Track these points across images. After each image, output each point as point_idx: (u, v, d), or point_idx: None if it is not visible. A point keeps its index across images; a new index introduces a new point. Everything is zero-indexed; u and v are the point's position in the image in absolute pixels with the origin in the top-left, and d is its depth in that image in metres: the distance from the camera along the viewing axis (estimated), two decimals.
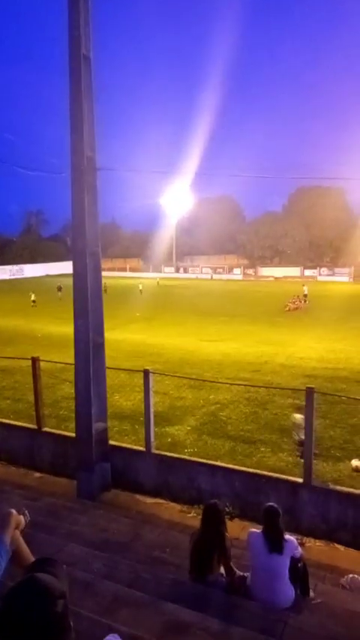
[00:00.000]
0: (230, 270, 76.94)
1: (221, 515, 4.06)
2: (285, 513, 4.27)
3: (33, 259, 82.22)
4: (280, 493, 6.27)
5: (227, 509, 4.13)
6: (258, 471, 6.77)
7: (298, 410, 7.89)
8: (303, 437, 6.51)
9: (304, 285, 40.90)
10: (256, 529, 4.13)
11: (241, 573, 4.02)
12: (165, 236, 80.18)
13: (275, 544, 3.89)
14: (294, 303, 35.08)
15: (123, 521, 5.83)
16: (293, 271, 71.98)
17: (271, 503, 4.13)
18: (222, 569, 3.97)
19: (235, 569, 3.99)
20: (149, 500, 7.05)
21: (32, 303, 34.46)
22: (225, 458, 8.08)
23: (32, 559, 3.54)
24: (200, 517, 4.25)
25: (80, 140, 6.57)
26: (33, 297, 34.98)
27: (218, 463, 7.16)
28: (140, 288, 45.08)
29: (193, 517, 6.33)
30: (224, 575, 3.97)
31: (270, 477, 6.54)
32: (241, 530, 5.58)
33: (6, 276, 71.18)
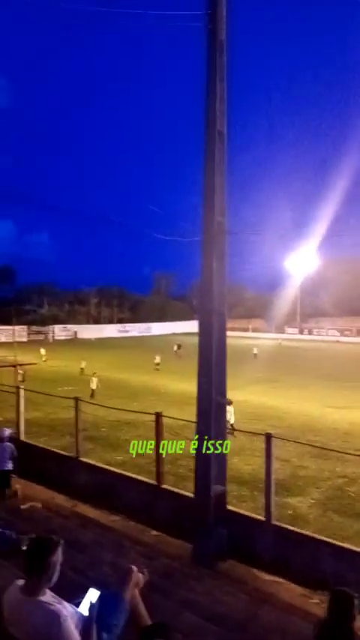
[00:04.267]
0: (359, 332, 72.90)
1: (353, 606, 3.60)
2: None
3: (161, 318, 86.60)
4: None
5: (357, 601, 3.65)
6: None
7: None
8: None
9: None
10: None
11: None
12: (288, 297, 79.32)
13: None
14: None
15: (240, 596, 5.49)
16: None
17: None
18: None
19: None
20: (267, 577, 6.58)
21: (156, 366, 33.17)
22: (354, 540, 7.32)
23: (149, 620, 3.49)
24: (325, 605, 3.82)
25: (212, 207, 6.94)
26: (157, 360, 33.79)
27: (347, 545, 6.49)
28: (255, 352, 41.65)
29: (316, 604, 5.74)
30: None
31: None
32: None
33: (135, 333, 75.92)
